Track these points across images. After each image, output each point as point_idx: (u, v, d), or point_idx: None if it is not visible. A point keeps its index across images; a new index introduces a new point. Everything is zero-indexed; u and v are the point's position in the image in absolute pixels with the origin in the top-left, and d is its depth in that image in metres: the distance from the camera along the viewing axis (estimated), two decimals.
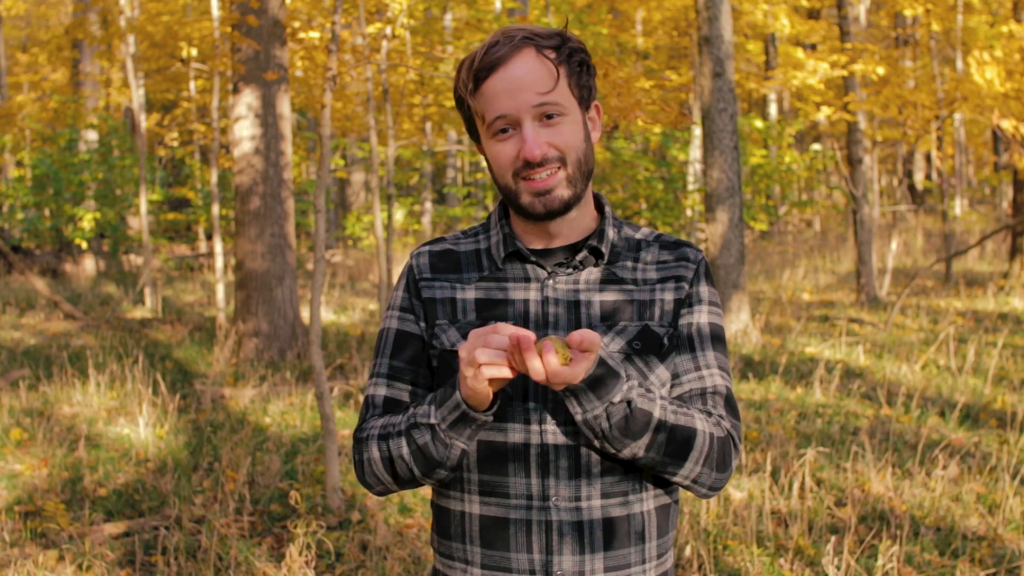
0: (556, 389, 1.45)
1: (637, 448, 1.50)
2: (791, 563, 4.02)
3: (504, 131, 1.53)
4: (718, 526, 4.38)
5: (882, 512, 4.60)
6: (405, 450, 1.54)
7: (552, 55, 1.53)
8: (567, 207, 1.55)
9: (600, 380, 1.45)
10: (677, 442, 1.52)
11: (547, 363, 1.39)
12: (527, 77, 1.51)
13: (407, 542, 4.27)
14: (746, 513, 4.44)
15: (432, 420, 1.50)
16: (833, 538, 4.01)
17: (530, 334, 1.39)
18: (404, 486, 1.60)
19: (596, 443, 1.52)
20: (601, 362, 1.45)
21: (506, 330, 1.40)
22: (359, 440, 1.62)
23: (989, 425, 6.10)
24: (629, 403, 1.47)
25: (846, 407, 6.57)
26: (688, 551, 4.07)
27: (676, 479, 1.56)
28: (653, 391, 1.52)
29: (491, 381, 1.43)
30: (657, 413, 1.50)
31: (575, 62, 1.56)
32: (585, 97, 1.58)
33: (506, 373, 1.41)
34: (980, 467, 5.20)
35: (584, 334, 1.40)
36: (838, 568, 3.82)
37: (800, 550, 4.14)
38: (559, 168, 1.53)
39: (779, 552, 4.15)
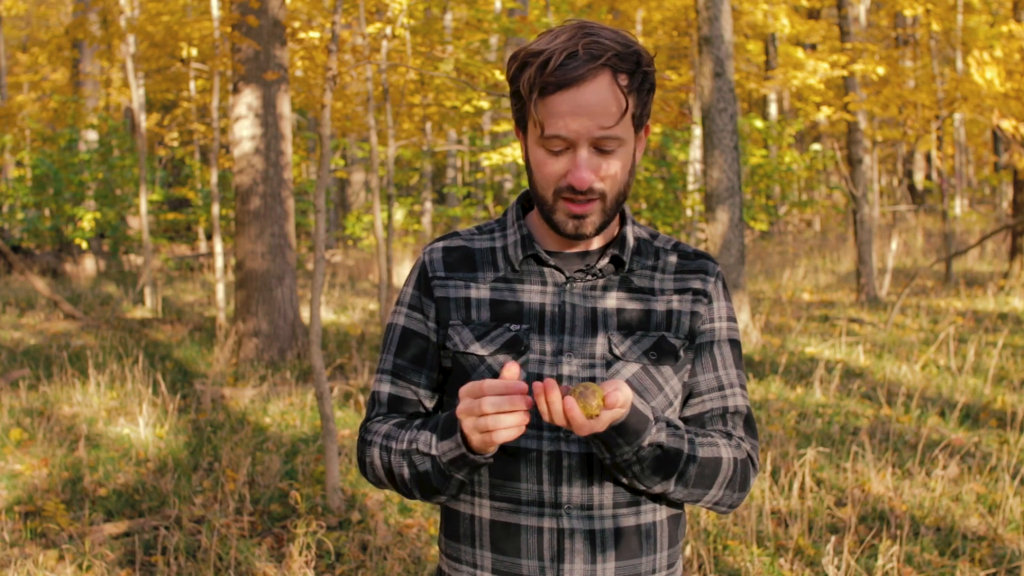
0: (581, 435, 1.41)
1: (667, 485, 1.50)
2: (791, 563, 4.02)
3: (556, 147, 1.49)
4: (718, 526, 4.38)
5: (882, 512, 4.60)
6: (406, 472, 1.53)
7: (625, 82, 1.46)
8: (596, 232, 1.53)
9: (628, 426, 1.42)
10: (705, 474, 1.52)
11: (572, 417, 1.34)
12: (596, 107, 1.44)
13: (407, 542, 4.27)
14: (746, 513, 4.44)
15: (433, 452, 1.48)
16: (833, 538, 4.01)
17: (552, 382, 1.35)
18: (404, 496, 1.60)
19: (624, 481, 1.50)
20: (631, 409, 1.42)
21: (511, 371, 1.36)
22: (363, 440, 1.61)
23: (989, 425, 6.10)
24: (660, 446, 1.46)
25: (846, 407, 6.57)
26: (688, 551, 4.07)
27: (699, 504, 1.56)
28: (680, 426, 1.51)
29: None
30: (686, 450, 1.49)
31: (645, 88, 1.50)
32: (643, 122, 1.54)
33: (515, 422, 1.37)
34: (980, 467, 5.20)
35: (618, 394, 1.36)
36: (838, 568, 3.82)
37: (800, 550, 4.14)
38: (598, 199, 1.50)
39: (779, 552, 4.15)
